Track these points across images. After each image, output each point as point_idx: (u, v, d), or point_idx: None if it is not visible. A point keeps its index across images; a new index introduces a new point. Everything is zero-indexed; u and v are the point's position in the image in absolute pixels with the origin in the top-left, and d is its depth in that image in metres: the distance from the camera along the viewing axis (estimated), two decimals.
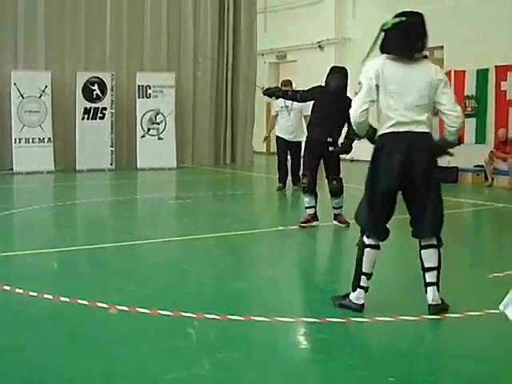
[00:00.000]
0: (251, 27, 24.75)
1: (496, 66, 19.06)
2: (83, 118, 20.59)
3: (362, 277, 6.18)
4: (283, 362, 5.04)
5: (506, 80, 18.96)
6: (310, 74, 27.30)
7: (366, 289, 6.20)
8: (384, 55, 6.08)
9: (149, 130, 21.55)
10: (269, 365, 4.96)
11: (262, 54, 28.00)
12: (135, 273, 7.91)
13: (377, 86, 5.99)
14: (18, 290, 6.80)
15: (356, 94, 6.08)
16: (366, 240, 6.20)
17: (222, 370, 4.83)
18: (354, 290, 6.23)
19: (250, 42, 24.68)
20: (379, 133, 6.09)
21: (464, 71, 20.15)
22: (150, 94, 21.49)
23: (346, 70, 10.84)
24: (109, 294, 6.84)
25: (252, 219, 12.52)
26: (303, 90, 11.04)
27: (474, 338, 5.68)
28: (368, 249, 6.18)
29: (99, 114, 20.82)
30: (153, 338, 5.47)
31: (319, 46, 27.08)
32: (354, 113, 6.02)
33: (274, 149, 30.55)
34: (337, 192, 10.86)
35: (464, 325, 6.03)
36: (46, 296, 6.62)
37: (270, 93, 11.20)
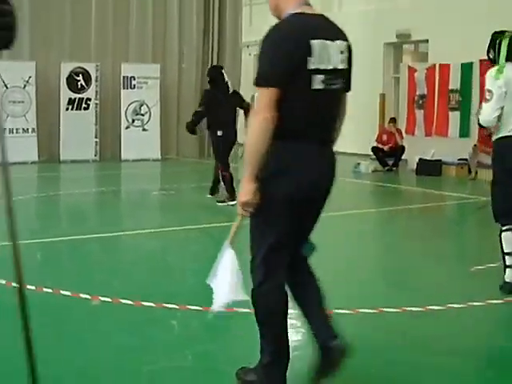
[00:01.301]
0: (236, 19, 24.72)
1: (480, 60, 19.06)
2: (67, 109, 20.52)
3: (506, 257, 6.79)
4: None
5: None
6: None
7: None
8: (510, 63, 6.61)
9: (133, 121, 21.50)
10: (249, 357, 4.97)
11: (248, 46, 27.93)
12: (119, 264, 7.92)
13: (505, 92, 6.50)
14: (0, 281, 6.78)
15: (486, 100, 6.61)
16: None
17: (204, 361, 4.84)
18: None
19: (236, 34, 24.66)
20: (501, 135, 6.64)
21: (449, 65, 20.19)
22: (134, 85, 21.43)
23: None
24: (92, 285, 6.85)
25: (235, 211, 12.55)
26: None
27: (455, 330, 5.72)
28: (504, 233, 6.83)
29: (83, 105, 20.76)
30: (136, 329, 5.48)
31: None
32: (487, 118, 6.58)
33: None
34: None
35: (445, 317, 6.07)
36: (29, 287, 6.58)
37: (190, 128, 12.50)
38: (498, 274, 7.38)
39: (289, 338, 4.18)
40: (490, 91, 6.60)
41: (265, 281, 4.08)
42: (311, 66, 3.84)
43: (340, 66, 4.01)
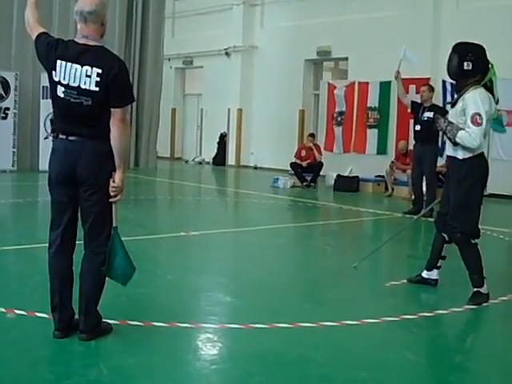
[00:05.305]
0: (159, 32, 24.72)
1: None
2: None
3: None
4: (182, 368, 5.05)
5: (407, 93, 19.35)
6: (216, 81, 27.47)
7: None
8: None
9: (52, 131, 21.25)
10: (168, 371, 4.97)
11: (169, 59, 27.95)
12: (35, 276, 7.79)
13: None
14: None
15: (479, 124, 6.82)
16: (474, 241, 7.10)
17: (120, 376, 4.82)
18: (482, 285, 7.08)
19: (158, 46, 24.64)
20: (477, 152, 6.99)
21: (367, 83, 20.51)
22: None
23: None
24: (7, 297, 6.75)
25: (154, 224, 12.51)
26: None
27: (370, 345, 5.80)
28: (477, 247, 7.16)
29: (2, 114, 20.48)
30: (50, 342, 5.41)
31: (226, 53, 27.20)
32: (478, 142, 6.84)
33: (178, 154, 30.69)
34: None
35: (361, 331, 6.16)
36: None
37: None
38: (413, 290, 7.55)
39: None
40: (480, 115, 6.83)
41: None
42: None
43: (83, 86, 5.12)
